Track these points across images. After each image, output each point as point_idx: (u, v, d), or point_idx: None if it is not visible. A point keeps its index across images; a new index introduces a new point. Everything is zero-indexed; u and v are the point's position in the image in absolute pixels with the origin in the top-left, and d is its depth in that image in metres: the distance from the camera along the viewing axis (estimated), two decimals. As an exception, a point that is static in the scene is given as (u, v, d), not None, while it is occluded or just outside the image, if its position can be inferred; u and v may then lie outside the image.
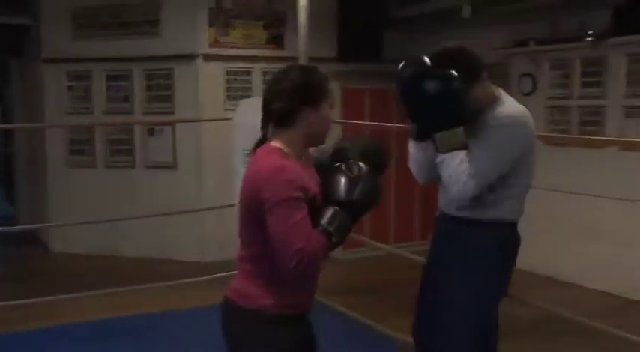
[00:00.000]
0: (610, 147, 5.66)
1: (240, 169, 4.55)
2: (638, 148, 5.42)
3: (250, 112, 4.76)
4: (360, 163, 2.12)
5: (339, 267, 6.56)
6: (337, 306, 5.05)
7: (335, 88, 6.92)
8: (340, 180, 2.07)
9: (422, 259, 3.72)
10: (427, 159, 2.67)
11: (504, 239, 2.69)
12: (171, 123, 6.70)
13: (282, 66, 6.97)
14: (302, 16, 4.99)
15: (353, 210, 2.05)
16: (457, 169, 2.51)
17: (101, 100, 6.94)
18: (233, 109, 5.78)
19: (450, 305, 2.68)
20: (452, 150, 2.52)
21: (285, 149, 2.12)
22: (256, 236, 2.11)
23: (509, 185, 2.59)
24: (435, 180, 2.75)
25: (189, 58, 6.66)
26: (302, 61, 5.10)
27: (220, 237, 5.98)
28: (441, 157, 2.55)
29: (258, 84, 6.85)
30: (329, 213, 2.02)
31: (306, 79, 2.14)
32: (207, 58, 6.68)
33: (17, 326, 4.67)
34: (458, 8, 6.22)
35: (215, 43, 6.72)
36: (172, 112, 6.75)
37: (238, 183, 4.45)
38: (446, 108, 2.48)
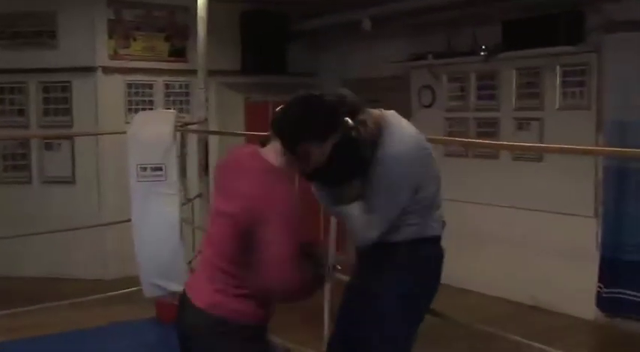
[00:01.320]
0: (504, 157, 5.89)
1: (134, 184, 4.45)
2: (527, 158, 5.67)
3: (144, 125, 4.74)
4: None
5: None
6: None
7: (239, 100, 6.93)
8: None
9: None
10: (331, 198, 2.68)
11: (425, 255, 2.70)
12: (68, 137, 6.50)
13: (185, 79, 6.93)
14: (201, 28, 4.97)
15: None
16: (357, 222, 2.55)
17: (-6, 113, 6.66)
18: (132, 123, 5.69)
19: (373, 319, 2.66)
20: (350, 202, 2.56)
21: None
22: None
23: (414, 209, 2.59)
24: None
25: (88, 70, 6.50)
26: (201, 73, 5.08)
27: (121, 252, 5.84)
28: (339, 210, 2.61)
29: (160, 97, 6.76)
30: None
31: (328, 113, 2.25)
32: (107, 70, 6.53)
33: None
34: (359, 22, 6.34)
35: (115, 55, 6.58)
36: (71, 126, 6.55)
37: (135, 198, 4.29)
38: (341, 168, 2.39)
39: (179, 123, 4.77)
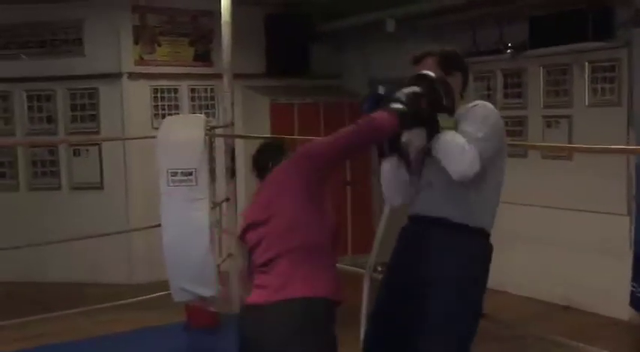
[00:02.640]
0: (533, 156, 5.82)
1: (165, 188, 4.46)
2: (557, 156, 5.60)
3: (174, 130, 4.75)
4: None
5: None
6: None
7: (264, 102, 6.93)
8: None
9: (360, 270, 3.72)
10: (401, 179, 2.65)
11: (487, 249, 2.65)
12: (96, 143, 6.56)
13: (209, 83, 6.95)
14: (226, 32, 4.98)
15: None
16: (453, 141, 2.43)
17: (23, 121, 6.74)
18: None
19: (431, 310, 2.50)
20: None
21: None
22: None
23: (486, 192, 2.58)
24: (407, 203, 2.70)
25: (114, 76, 6.55)
26: (226, 76, 5.09)
27: (149, 257, 5.87)
28: (437, 140, 2.47)
29: (185, 101, 6.79)
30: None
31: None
32: (133, 76, 6.58)
33: None
34: (382, 22, 6.31)
35: (140, 61, 6.62)
36: (98, 132, 6.61)
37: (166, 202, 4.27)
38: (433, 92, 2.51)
39: (207, 127, 4.77)
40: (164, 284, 4.82)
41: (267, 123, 6.82)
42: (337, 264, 2.48)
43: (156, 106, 6.68)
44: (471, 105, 2.61)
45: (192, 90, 6.82)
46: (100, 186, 6.65)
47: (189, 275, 4.44)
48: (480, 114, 2.53)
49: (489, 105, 2.62)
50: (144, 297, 5.19)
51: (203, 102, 6.87)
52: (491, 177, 2.56)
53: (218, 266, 4.70)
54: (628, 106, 5.13)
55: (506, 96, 6.06)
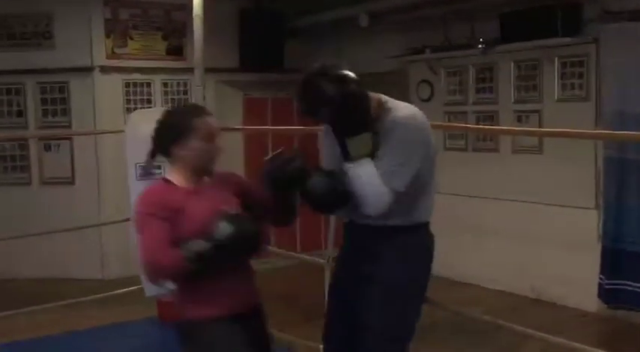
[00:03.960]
0: (504, 150, 5.88)
1: (133, 182, 4.43)
2: (527, 150, 5.66)
3: (143, 123, 4.71)
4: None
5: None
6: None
7: (237, 97, 6.91)
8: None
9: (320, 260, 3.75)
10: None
11: (421, 242, 2.68)
12: (67, 137, 6.49)
13: (182, 77, 6.90)
14: (197, 25, 4.94)
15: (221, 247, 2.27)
16: (369, 182, 2.45)
17: (-9, 115, 6.65)
18: (131, 122, 5.65)
19: (368, 307, 2.60)
20: (362, 157, 2.47)
21: (172, 178, 2.47)
22: None
23: (419, 186, 2.56)
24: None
25: (86, 70, 6.49)
26: (198, 70, 5.05)
27: (121, 252, 5.83)
28: (349, 168, 2.49)
29: (158, 95, 6.75)
30: (195, 242, 2.27)
31: (167, 120, 2.48)
32: (105, 70, 6.52)
33: None
34: (355, 17, 6.33)
35: (112, 55, 6.57)
36: (69, 126, 6.55)
37: (133, 197, 4.32)
38: (352, 112, 2.46)
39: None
40: (136, 279, 4.80)
41: (241, 117, 6.81)
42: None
43: (128, 100, 6.63)
44: (392, 118, 2.52)
45: (165, 85, 6.78)
46: (71, 181, 6.59)
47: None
48: (398, 139, 2.48)
49: (411, 121, 2.53)
50: (114, 292, 5.17)
51: (176, 97, 6.83)
52: (418, 182, 2.55)
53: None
54: (596, 101, 5.21)
55: (477, 91, 6.11)
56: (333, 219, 3.61)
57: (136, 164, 4.39)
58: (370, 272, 2.61)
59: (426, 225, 2.69)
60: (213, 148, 2.47)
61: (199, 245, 2.25)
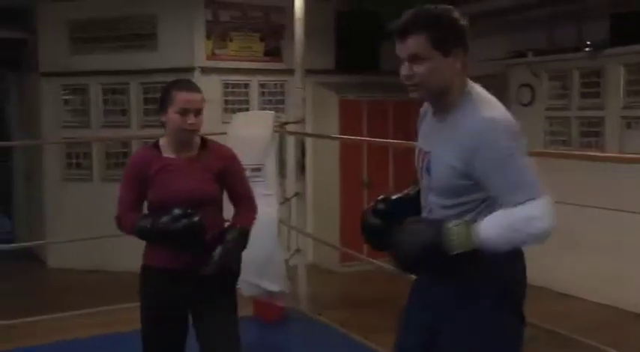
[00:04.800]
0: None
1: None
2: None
3: (245, 125, 4.79)
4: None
5: (336, 280, 6.52)
6: (330, 322, 5.00)
7: (332, 98, 6.91)
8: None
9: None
10: None
11: (515, 273, 2.10)
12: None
13: (279, 78, 6.99)
14: (298, 28, 4.98)
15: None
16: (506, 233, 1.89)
17: (98, 114, 6.91)
18: (230, 123, 5.74)
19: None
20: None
21: (161, 144, 2.77)
22: None
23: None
24: None
25: (187, 70, 6.63)
26: (298, 72, 5.09)
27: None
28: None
29: (255, 96, 6.83)
30: (146, 220, 2.66)
31: (162, 89, 2.77)
32: (205, 70, 6.66)
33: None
34: (455, 19, 6.21)
35: (212, 56, 6.70)
36: (170, 125, 6.71)
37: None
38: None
39: (277, 124, 4.79)
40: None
41: (336, 120, 6.81)
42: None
43: (226, 101, 6.75)
44: (481, 120, 1.95)
45: (262, 86, 6.87)
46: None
47: (257, 271, 4.46)
48: (495, 150, 1.91)
49: (497, 115, 1.97)
50: None
51: (272, 98, 6.91)
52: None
53: (286, 261, 4.71)
54: None
55: (582, 95, 5.88)
56: None
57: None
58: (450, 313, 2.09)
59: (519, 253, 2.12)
60: (186, 122, 2.66)
61: (145, 224, 2.60)
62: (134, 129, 6.83)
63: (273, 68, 6.84)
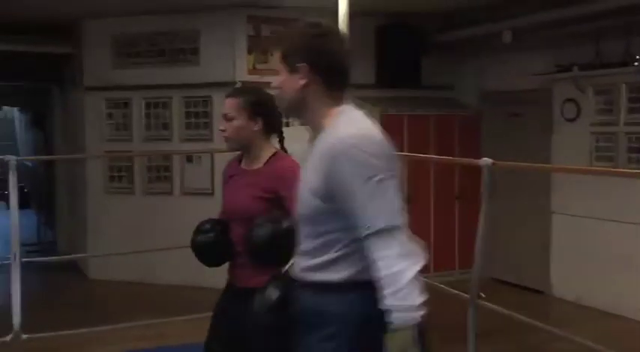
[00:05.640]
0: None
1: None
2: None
3: (290, 141, 4.76)
4: None
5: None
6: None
7: (373, 113, 6.86)
8: None
9: (460, 293, 3.57)
10: None
11: (366, 306, 1.84)
12: (209, 152, 6.69)
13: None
14: (342, 42, 4.96)
15: None
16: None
17: (140, 127, 6.99)
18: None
19: None
20: None
21: None
22: None
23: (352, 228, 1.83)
24: None
25: (228, 85, 6.65)
26: (341, 87, 5.06)
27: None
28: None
29: (295, 111, 6.82)
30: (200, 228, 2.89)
31: None
32: (246, 85, 6.67)
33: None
34: (497, 33, 6.15)
35: (253, 70, 6.72)
36: (211, 139, 6.75)
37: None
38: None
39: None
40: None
41: (377, 134, 6.75)
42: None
43: (277, 116, 6.75)
44: (328, 140, 1.86)
45: (302, 100, 6.87)
46: (211, 193, 6.78)
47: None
48: (343, 171, 1.79)
49: (353, 132, 1.83)
50: None
51: (313, 112, 6.89)
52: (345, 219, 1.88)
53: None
54: None
55: (630, 111, 5.75)
56: (480, 232, 3.40)
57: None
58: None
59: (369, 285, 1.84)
60: (226, 128, 2.64)
61: (194, 234, 2.77)
62: (176, 143, 6.88)
63: (314, 82, 6.82)
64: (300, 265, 1.97)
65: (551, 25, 5.88)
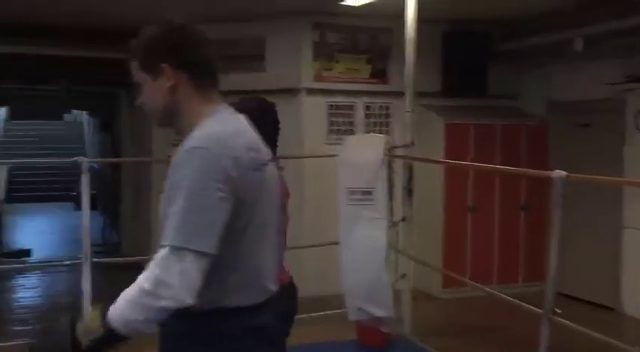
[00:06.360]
0: None
1: (343, 207, 4.47)
2: None
3: (357, 148, 4.76)
4: None
5: (437, 306, 6.38)
6: (434, 349, 4.87)
7: (438, 122, 6.80)
8: None
9: (524, 305, 3.48)
10: None
11: (233, 335, 1.76)
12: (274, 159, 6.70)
13: (385, 100, 6.92)
14: (409, 49, 4.93)
15: None
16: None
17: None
18: (334, 144, 5.70)
19: None
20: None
21: None
22: None
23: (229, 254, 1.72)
24: None
25: (293, 92, 6.70)
26: (408, 95, 5.03)
27: (320, 273, 5.89)
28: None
29: (360, 118, 6.80)
30: None
31: None
32: (311, 91, 6.70)
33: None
34: (567, 42, 6.01)
35: (319, 77, 6.73)
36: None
37: (344, 221, 4.35)
38: None
39: (387, 147, 4.74)
40: (328, 299, 4.83)
41: (441, 143, 6.68)
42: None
43: (331, 122, 6.75)
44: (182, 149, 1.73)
45: (367, 108, 6.84)
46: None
47: (365, 295, 4.41)
48: (172, 177, 1.70)
49: (196, 136, 1.73)
50: (317, 314, 5.08)
51: (377, 120, 6.86)
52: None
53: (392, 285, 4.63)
54: None
55: None
56: (553, 245, 3.30)
57: (346, 188, 4.42)
58: None
59: (239, 311, 1.78)
60: None
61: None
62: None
63: (379, 90, 6.79)
64: None
65: (625, 32, 5.71)
